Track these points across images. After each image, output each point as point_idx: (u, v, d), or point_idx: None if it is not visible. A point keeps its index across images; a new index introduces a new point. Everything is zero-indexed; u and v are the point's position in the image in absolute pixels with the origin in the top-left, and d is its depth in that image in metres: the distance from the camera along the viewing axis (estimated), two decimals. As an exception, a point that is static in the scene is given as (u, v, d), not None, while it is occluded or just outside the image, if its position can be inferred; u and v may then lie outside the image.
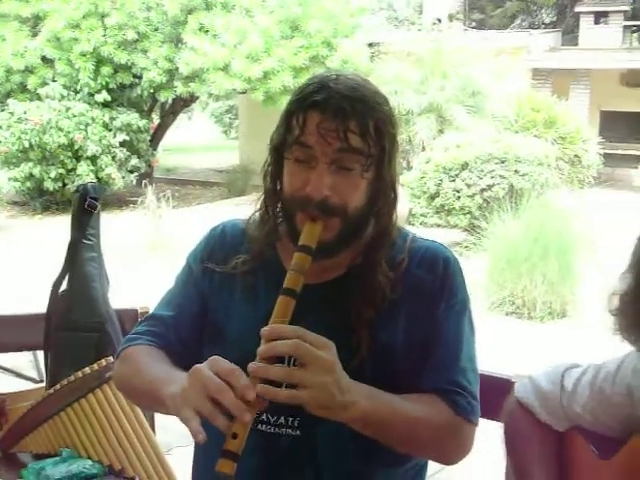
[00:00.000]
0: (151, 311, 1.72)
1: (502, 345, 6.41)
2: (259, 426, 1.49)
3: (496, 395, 1.67)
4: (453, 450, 1.55)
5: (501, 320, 7.80)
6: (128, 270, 8.49)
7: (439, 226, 11.32)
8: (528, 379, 1.61)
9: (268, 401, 1.28)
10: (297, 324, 1.34)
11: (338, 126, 1.41)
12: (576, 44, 19.85)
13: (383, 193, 1.51)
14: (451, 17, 22.43)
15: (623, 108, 17.67)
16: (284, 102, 1.58)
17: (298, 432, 1.48)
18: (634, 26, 21.86)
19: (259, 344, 1.31)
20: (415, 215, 11.57)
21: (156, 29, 14.18)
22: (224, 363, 1.30)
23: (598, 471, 1.41)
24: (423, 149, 12.73)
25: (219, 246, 1.66)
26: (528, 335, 7.39)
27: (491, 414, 1.69)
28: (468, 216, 10.71)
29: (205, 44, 13.60)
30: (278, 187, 1.55)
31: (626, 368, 1.38)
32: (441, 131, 13.16)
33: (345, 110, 1.42)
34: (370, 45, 15.56)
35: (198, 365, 1.33)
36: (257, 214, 1.62)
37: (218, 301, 1.61)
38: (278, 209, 1.58)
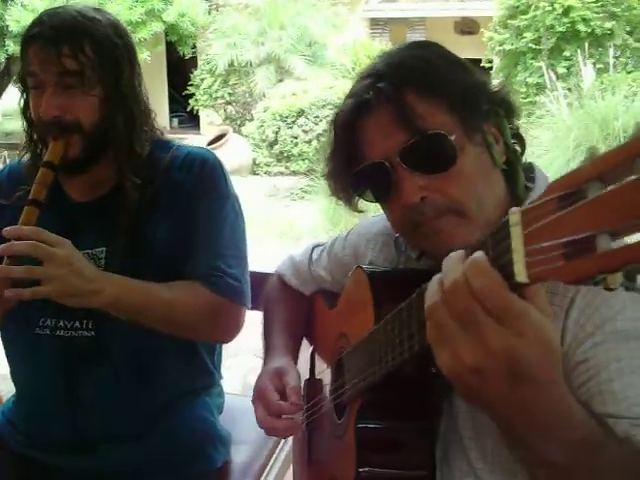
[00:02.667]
0: None
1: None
2: (58, 332, 1.66)
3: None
4: (220, 328, 1.73)
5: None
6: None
7: (282, 174, 11.60)
8: (287, 256, 1.77)
9: (16, 299, 1.43)
10: (73, 240, 1.47)
11: (51, 52, 1.54)
12: (412, -6, 20.38)
13: (119, 107, 1.62)
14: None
15: (457, 54, 18.36)
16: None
17: (93, 333, 1.65)
18: (466, -24, 22.63)
19: None
20: (259, 165, 11.81)
21: (-19, -14, 13.58)
22: None
23: (327, 318, 1.61)
24: (263, 100, 12.86)
25: (6, 184, 1.78)
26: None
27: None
28: (306, 161, 11.01)
29: (35, 0, 13.15)
30: (30, 117, 1.65)
31: (353, 233, 1.57)
32: (281, 81, 13.35)
33: (55, 38, 1.54)
34: (207, -2, 15.48)
35: None
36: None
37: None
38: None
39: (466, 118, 1.14)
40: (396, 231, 1.28)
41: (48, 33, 1.56)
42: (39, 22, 1.59)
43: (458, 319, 0.75)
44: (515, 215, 0.67)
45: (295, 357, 1.61)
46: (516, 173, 1.22)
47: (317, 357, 1.69)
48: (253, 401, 1.45)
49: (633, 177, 0.54)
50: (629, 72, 10.36)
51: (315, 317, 1.71)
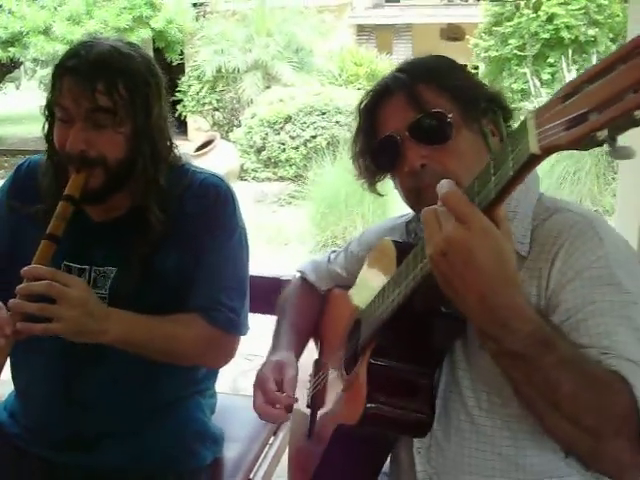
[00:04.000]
0: None
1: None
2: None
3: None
4: (214, 358, 1.83)
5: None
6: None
7: (269, 180, 11.61)
8: (310, 259, 1.93)
9: (27, 334, 1.49)
10: (85, 255, 1.57)
11: (86, 88, 1.56)
12: (398, 1, 20.52)
13: (146, 144, 1.65)
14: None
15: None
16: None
17: None
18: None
19: None
20: (247, 170, 11.80)
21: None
22: None
23: (343, 301, 1.71)
24: (250, 106, 12.90)
25: (22, 182, 1.82)
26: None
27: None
28: (294, 167, 11.07)
29: (23, 7, 13.16)
30: (53, 142, 1.68)
31: (367, 233, 1.76)
32: (268, 87, 13.39)
33: (91, 74, 1.56)
34: (195, 5, 15.54)
35: None
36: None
37: (25, 235, 1.73)
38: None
39: (466, 109, 1.39)
40: (405, 201, 1.46)
41: (84, 68, 1.58)
42: (75, 54, 1.61)
43: (437, 218, 1.01)
44: (531, 112, 0.90)
45: (298, 353, 1.71)
46: None
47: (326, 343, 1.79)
48: (253, 388, 1.57)
49: (609, 76, 0.79)
50: (612, 78, 10.42)
51: (329, 307, 1.83)
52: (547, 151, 0.87)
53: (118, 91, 1.59)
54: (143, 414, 1.79)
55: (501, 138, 1.40)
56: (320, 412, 1.64)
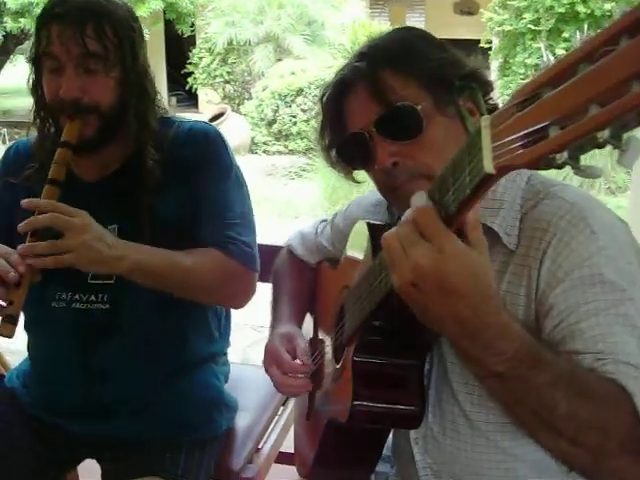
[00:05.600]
0: None
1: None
2: (74, 304, 1.72)
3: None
4: (233, 293, 1.79)
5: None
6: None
7: (281, 153, 11.60)
8: (297, 230, 1.87)
9: (40, 273, 1.49)
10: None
11: (75, 33, 1.55)
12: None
13: (135, 87, 1.66)
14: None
15: (456, 35, 18.18)
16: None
17: (108, 306, 1.71)
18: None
19: None
20: (258, 143, 11.81)
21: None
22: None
23: (331, 278, 1.70)
24: (261, 79, 12.83)
25: (13, 162, 1.83)
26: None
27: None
28: (305, 140, 11.02)
29: (33, -23, 13.09)
30: (41, 96, 1.68)
31: (352, 206, 1.69)
32: (280, 60, 13.30)
33: (80, 18, 1.56)
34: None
35: None
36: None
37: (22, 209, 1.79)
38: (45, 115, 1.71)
39: (438, 92, 1.26)
40: (380, 194, 1.38)
41: (72, 13, 1.57)
42: (60, 1, 1.60)
43: (401, 244, 0.92)
44: (486, 119, 0.80)
45: (300, 324, 1.69)
46: None
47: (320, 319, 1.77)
48: (265, 363, 1.53)
49: (571, 80, 0.69)
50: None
51: (320, 281, 1.79)
52: (503, 171, 0.78)
53: (107, 35, 1.59)
54: (159, 381, 1.79)
55: (482, 116, 1.22)
56: (318, 394, 1.62)
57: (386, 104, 1.25)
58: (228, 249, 1.71)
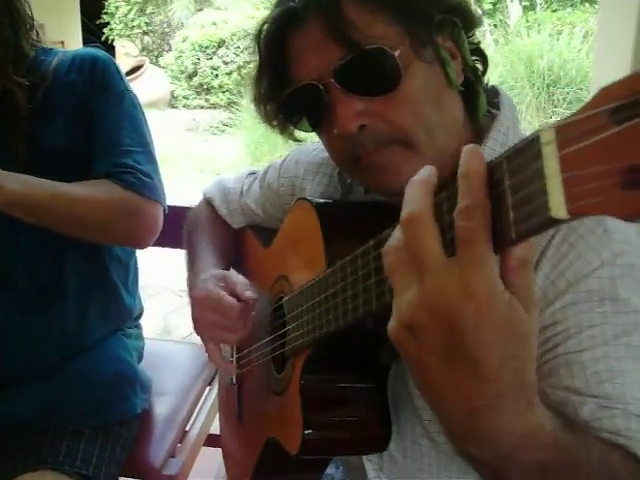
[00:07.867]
0: None
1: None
2: None
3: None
4: (136, 228, 1.58)
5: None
6: None
7: (202, 107, 11.38)
8: (217, 179, 1.62)
9: None
10: None
11: None
12: None
13: (5, 3, 1.53)
14: None
15: None
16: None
17: None
18: None
19: None
20: (178, 97, 11.60)
21: None
22: None
23: (260, 258, 1.43)
24: (181, 29, 12.58)
25: None
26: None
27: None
28: (227, 94, 10.87)
29: None
30: None
31: (289, 160, 1.40)
32: (200, 10, 12.98)
33: None
34: None
35: None
36: None
37: None
38: None
39: (414, 29, 0.96)
40: (336, 164, 1.12)
41: None
42: None
43: (403, 267, 0.60)
44: (548, 132, 0.49)
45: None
46: (476, 95, 1.05)
47: None
48: (197, 324, 1.29)
49: None
50: (554, 10, 10.34)
51: (245, 256, 1.53)
52: (582, 216, 0.48)
53: None
54: (56, 350, 1.61)
55: (463, 59, 1.02)
56: (248, 396, 1.41)
57: (350, 46, 0.94)
58: (125, 180, 1.54)
